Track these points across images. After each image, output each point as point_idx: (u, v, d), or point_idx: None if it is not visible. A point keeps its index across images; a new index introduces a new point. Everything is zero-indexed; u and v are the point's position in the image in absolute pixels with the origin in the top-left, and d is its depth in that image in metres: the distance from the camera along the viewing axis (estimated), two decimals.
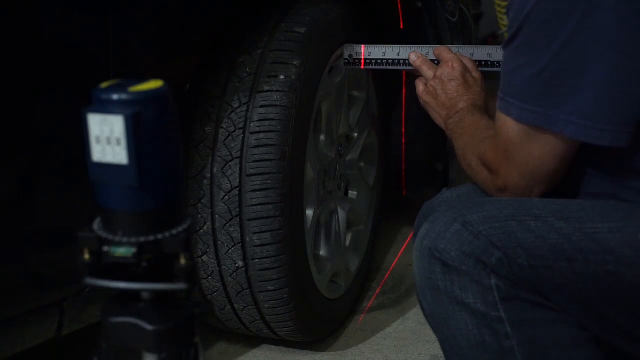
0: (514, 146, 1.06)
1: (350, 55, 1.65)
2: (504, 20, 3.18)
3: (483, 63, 1.49)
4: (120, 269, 0.73)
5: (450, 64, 1.37)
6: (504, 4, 3.15)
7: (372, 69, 1.74)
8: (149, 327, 0.73)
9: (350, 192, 1.98)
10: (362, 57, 1.62)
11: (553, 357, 1.02)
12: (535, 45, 1.01)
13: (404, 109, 2.06)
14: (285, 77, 1.53)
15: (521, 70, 1.03)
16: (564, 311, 1.02)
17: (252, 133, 1.50)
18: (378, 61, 1.59)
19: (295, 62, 1.54)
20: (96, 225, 0.74)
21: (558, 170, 1.06)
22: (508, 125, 1.06)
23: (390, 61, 1.57)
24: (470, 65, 1.39)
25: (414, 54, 1.48)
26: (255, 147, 1.50)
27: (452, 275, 1.01)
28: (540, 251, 0.99)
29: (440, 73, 1.37)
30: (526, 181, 1.08)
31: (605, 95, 0.99)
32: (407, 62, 1.50)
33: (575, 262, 0.99)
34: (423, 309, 1.08)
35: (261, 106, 1.51)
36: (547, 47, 1.00)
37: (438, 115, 1.36)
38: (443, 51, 1.41)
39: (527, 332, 1.01)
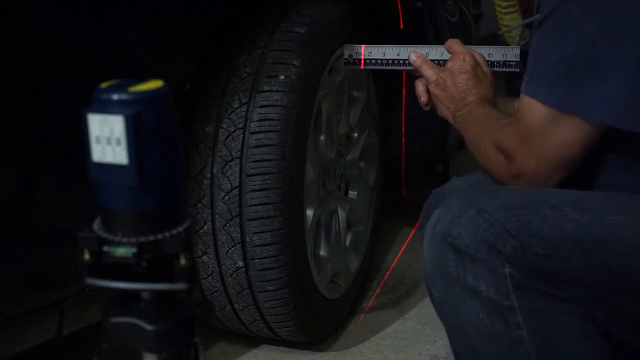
0: (536, 130, 1.04)
1: (350, 55, 1.64)
2: (504, 20, 3.18)
3: None
4: (120, 269, 0.73)
5: (461, 57, 1.34)
6: (504, 4, 3.14)
7: (372, 69, 1.74)
8: (149, 327, 0.73)
9: (350, 192, 1.98)
10: (362, 57, 1.62)
11: (563, 349, 1.01)
12: (567, 29, 1.00)
13: (404, 109, 2.06)
14: (285, 77, 1.53)
15: (551, 52, 1.02)
16: (577, 303, 1.01)
17: (252, 133, 1.50)
18: (378, 61, 1.59)
19: (295, 62, 1.54)
20: (96, 225, 0.74)
21: (577, 159, 1.05)
22: (533, 107, 1.04)
23: (390, 61, 1.56)
24: (480, 59, 1.37)
25: (413, 54, 1.47)
26: (255, 147, 1.50)
27: (464, 262, 0.99)
28: (555, 241, 0.98)
29: (451, 65, 1.34)
30: (544, 168, 1.06)
31: (636, 81, 0.98)
32: (407, 62, 1.50)
33: (590, 253, 0.98)
34: (431, 296, 1.07)
35: (261, 106, 1.51)
36: (579, 32, 0.99)
37: (446, 108, 1.33)
38: (454, 44, 1.38)
39: (538, 323, 1.00)
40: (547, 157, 1.05)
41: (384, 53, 1.57)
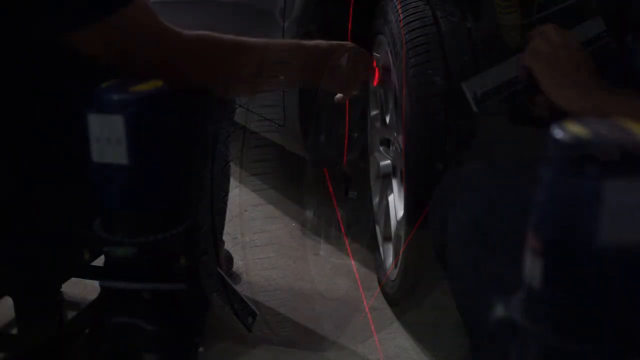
0: None
1: (475, 93, 1.30)
2: (504, 21, 3.19)
3: None
4: (121, 269, 0.73)
5: (569, 36, 1.18)
6: (504, 4, 3.15)
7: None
8: (149, 327, 0.73)
9: (350, 192, 1.98)
10: (480, 91, 1.29)
11: None
12: None
13: (404, 109, 2.06)
14: (286, 77, 1.53)
15: None
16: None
17: (252, 133, 1.50)
18: (495, 90, 1.29)
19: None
20: (96, 225, 0.74)
21: None
22: None
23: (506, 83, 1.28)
24: None
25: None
26: (255, 147, 1.50)
27: (491, 254, 0.98)
28: (582, 238, 0.97)
29: (560, 41, 1.16)
30: None
31: None
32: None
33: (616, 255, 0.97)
34: (452, 287, 1.06)
35: (261, 106, 1.51)
36: None
37: (556, 82, 1.14)
38: (555, 28, 1.20)
39: None
40: None
41: (497, 75, 1.30)
